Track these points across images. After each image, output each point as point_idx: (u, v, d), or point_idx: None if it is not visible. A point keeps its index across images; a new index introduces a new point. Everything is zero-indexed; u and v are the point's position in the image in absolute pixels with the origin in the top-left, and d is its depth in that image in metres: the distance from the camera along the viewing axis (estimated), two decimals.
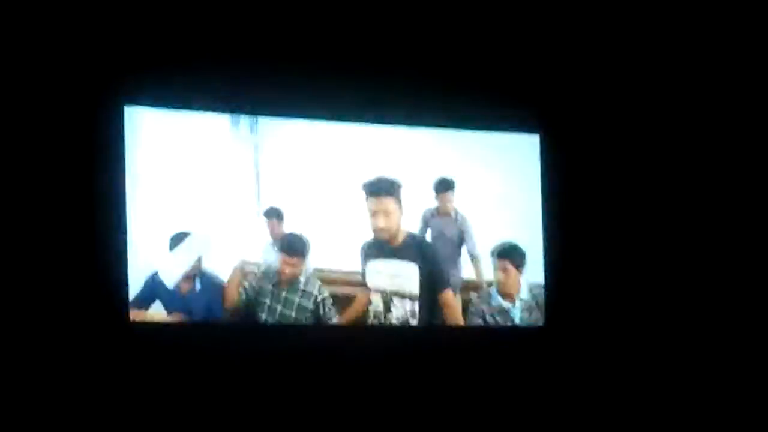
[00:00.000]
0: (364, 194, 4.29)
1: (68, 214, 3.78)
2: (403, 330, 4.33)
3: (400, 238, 4.35)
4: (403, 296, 4.33)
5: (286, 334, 4.19)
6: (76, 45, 3.80)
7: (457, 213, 4.43)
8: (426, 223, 4.41)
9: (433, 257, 4.37)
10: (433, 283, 4.36)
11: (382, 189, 4.29)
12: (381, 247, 4.32)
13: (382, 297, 4.31)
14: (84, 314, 3.76)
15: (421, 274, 4.34)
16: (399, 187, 4.32)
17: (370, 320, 4.28)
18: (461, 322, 4.37)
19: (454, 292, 4.39)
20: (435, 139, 4.40)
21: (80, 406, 3.75)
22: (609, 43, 4.33)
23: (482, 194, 4.43)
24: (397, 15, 4.19)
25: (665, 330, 4.41)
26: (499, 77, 4.27)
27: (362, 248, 4.31)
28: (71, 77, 3.78)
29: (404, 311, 4.33)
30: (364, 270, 4.30)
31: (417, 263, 4.34)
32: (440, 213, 4.42)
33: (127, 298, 3.93)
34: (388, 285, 4.32)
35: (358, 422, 4.14)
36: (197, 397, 3.95)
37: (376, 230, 4.30)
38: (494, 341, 4.39)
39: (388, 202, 4.30)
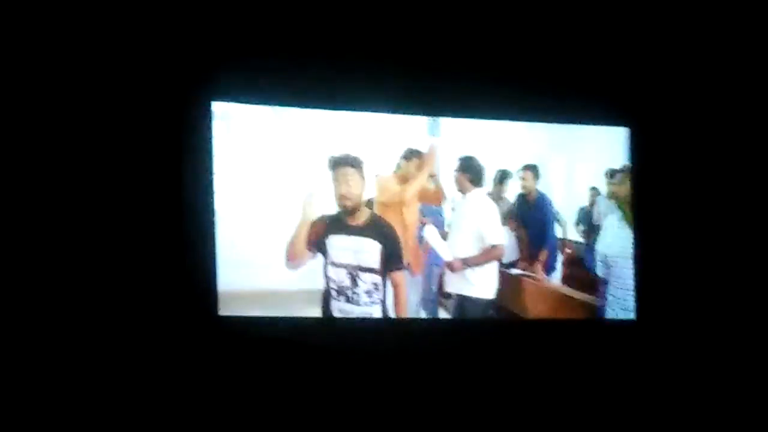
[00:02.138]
0: (329, 169, 4.51)
1: (158, 211, 3.91)
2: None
3: (363, 217, 4.58)
4: (366, 270, 4.54)
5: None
6: (164, 41, 3.91)
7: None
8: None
9: (393, 238, 4.60)
10: (389, 262, 4.58)
11: (346, 161, 4.49)
12: (345, 224, 4.54)
13: (348, 271, 4.51)
14: (174, 309, 3.90)
15: (382, 252, 4.57)
16: (362, 162, 4.52)
17: (335, 294, 4.48)
18: (404, 304, 4.54)
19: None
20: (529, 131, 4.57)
21: (171, 398, 3.89)
22: (701, 39, 4.21)
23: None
24: (493, 14, 4.15)
25: (754, 327, 4.35)
26: (591, 71, 4.19)
27: (324, 221, 4.51)
28: (159, 74, 3.90)
29: (370, 284, 4.52)
30: (324, 242, 4.50)
31: (379, 241, 4.57)
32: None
33: (216, 292, 4.12)
34: (352, 260, 4.52)
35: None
36: (280, 388, 4.10)
37: (339, 197, 4.50)
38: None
39: (352, 172, 4.50)
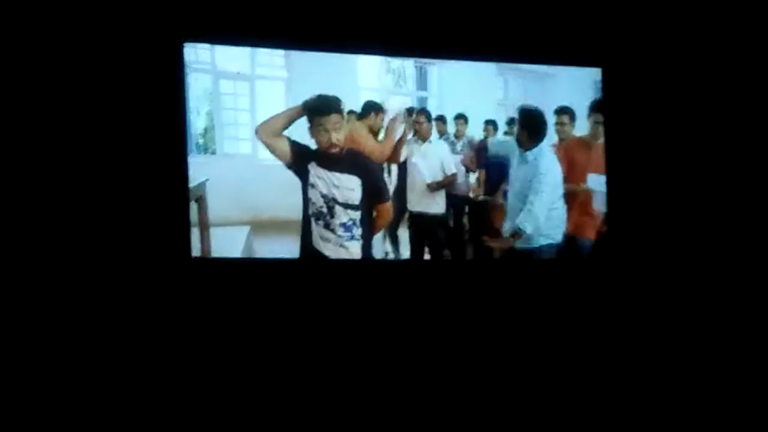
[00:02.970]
0: (306, 114, 4.49)
1: (130, 151, 3.96)
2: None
3: (342, 152, 4.64)
4: (346, 205, 4.63)
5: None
6: None
7: None
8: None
9: (374, 172, 4.71)
10: (372, 195, 4.67)
11: (329, 107, 4.48)
12: (326, 157, 4.57)
13: (325, 201, 4.60)
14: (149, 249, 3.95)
15: (363, 186, 4.65)
16: (341, 102, 4.54)
17: (314, 219, 4.57)
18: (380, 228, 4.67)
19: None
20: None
21: (148, 342, 3.94)
22: None
23: None
24: None
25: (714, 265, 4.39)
26: (564, 12, 4.16)
27: (305, 151, 4.55)
28: (131, 16, 3.91)
29: (347, 219, 4.61)
30: (306, 165, 4.55)
31: (359, 176, 4.65)
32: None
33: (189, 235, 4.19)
34: (329, 192, 4.60)
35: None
36: (258, 331, 4.16)
37: (323, 143, 4.52)
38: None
39: (336, 119, 4.52)
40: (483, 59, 4.43)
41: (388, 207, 4.73)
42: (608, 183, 4.37)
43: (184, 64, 4.15)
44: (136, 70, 3.92)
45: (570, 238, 4.67)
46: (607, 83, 4.19)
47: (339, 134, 4.54)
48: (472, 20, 4.18)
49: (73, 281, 3.81)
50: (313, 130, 4.47)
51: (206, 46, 4.27)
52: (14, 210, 3.69)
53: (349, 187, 4.64)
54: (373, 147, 4.68)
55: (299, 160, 4.52)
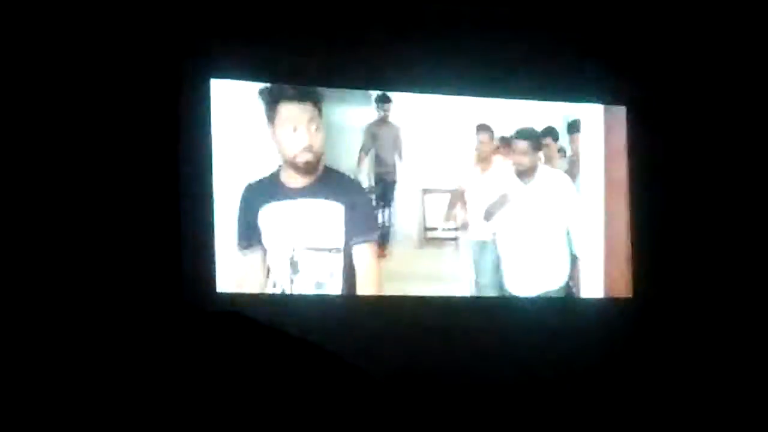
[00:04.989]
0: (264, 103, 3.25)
1: (154, 189, 3.32)
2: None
3: (312, 173, 3.26)
4: (318, 250, 3.24)
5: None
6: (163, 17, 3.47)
7: None
8: None
9: (361, 196, 3.34)
10: (355, 228, 3.28)
11: (304, 95, 3.27)
12: (282, 188, 3.23)
13: (288, 255, 3.23)
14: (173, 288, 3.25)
15: (346, 215, 3.29)
16: (323, 97, 3.30)
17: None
18: (373, 288, 3.36)
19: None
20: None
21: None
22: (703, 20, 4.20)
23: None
24: None
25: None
26: (590, 48, 4.06)
27: (252, 187, 3.22)
28: (157, 50, 3.44)
29: (326, 271, 3.26)
30: (253, 223, 3.21)
31: (341, 201, 3.28)
32: None
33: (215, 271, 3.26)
34: (299, 238, 3.23)
35: None
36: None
37: (297, 152, 3.22)
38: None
39: (313, 112, 3.26)
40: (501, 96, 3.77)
41: (374, 249, 3.34)
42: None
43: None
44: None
45: None
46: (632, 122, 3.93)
47: (316, 137, 3.26)
48: (502, 55, 3.92)
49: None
50: (276, 127, 3.23)
51: None
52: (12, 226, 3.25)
53: (327, 219, 3.25)
54: None
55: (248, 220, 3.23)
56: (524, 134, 3.72)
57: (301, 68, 3.41)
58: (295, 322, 3.12)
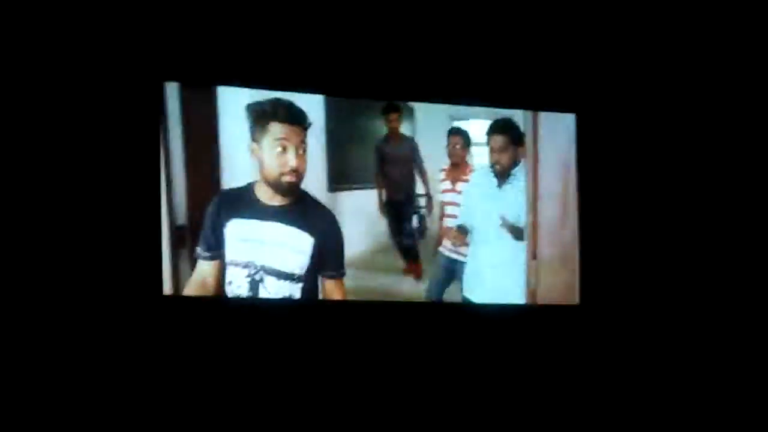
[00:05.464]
0: (252, 119, 3.30)
1: (106, 184, 3.37)
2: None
3: (290, 195, 3.30)
4: (281, 275, 3.30)
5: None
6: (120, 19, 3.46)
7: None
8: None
9: (334, 231, 3.36)
10: (323, 264, 3.33)
11: (295, 116, 3.31)
12: (256, 203, 3.28)
13: (249, 273, 3.29)
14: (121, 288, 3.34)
15: (315, 249, 3.32)
16: (309, 120, 3.34)
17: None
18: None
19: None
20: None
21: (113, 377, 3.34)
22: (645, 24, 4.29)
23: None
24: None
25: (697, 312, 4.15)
26: (538, 57, 4.09)
27: (226, 195, 3.28)
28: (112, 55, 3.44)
29: (283, 294, 3.31)
30: (219, 232, 3.26)
31: (311, 233, 3.32)
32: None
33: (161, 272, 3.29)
34: (256, 258, 3.29)
35: None
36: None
37: (283, 172, 3.26)
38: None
39: (300, 134, 3.31)
40: (459, 102, 3.81)
41: (340, 286, 3.39)
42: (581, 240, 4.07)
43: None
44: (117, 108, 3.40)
45: None
46: (581, 130, 4.05)
47: (302, 161, 3.29)
48: (450, 64, 3.88)
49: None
50: (263, 145, 3.25)
51: None
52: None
53: (295, 247, 3.30)
54: None
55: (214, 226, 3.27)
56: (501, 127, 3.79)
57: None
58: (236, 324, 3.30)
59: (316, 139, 3.39)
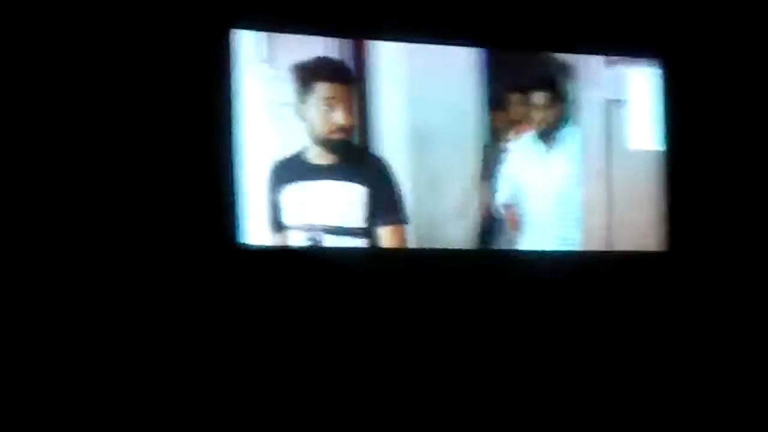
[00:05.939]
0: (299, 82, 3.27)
1: (180, 136, 3.33)
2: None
3: (338, 152, 3.28)
4: (344, 232, 3.29)
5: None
6: None
7: None
8: None
9: (387, 177, 3.32)
10: (378, 214, 3.30)
11: (345, 72, 3.30)
12: (307, 165, 3.25)
13: (310, 237, 3.26)
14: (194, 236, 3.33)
15: (369, 199, 3.31)
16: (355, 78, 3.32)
17: None
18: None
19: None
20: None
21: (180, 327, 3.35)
22: None
23: None
24: None
25: None
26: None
27: (275, 170, 3.24)
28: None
29: None
30: (277, 199, 3.24)
31: (363, 183, 3.30)
32: None
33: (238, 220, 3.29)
34: (316, 219, 3.26)
35: None
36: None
37: (330, 129, 3.25)
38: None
39: (349, 92, 3.30)
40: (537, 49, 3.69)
41: (399, 232, 3.35)
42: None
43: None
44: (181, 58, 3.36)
45: None
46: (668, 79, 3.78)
47: (351, 118, 3.29)
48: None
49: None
50: (309, 107, 3.25)
51: None
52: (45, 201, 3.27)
53: (350, 201, 3.28)
54: None
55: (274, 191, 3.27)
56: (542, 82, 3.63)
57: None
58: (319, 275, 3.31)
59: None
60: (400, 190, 3.35)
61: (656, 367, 3.85)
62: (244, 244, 3.29)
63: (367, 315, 3.49)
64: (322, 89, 3.25)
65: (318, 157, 3.25)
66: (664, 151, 3.85)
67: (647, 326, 3.86)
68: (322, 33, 3.44)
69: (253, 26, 3.39)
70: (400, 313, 3.53)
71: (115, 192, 3.32)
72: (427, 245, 3.47)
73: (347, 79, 3.29)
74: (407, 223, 3.37)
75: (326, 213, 3.27)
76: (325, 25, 3.46)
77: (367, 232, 3.32)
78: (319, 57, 3.29)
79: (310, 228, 3.25)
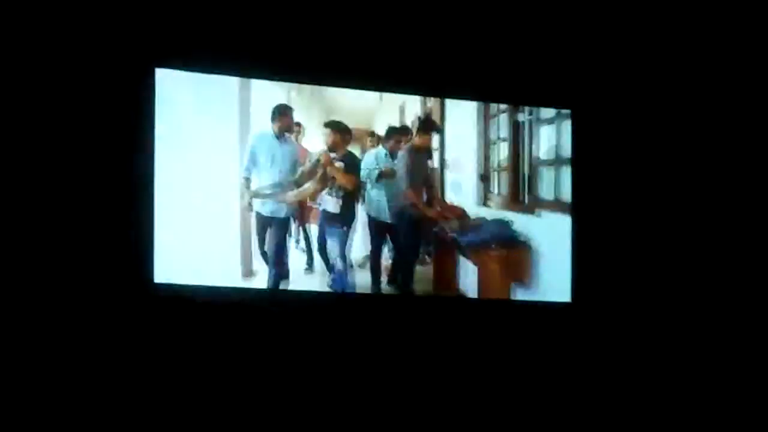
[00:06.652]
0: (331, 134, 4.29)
1: (95, 177, 3.68)
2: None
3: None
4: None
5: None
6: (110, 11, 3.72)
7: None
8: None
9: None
10: None
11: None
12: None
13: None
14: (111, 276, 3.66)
15: None
16: None
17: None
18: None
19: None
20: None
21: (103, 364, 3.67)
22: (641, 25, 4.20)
23: None
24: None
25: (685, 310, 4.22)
26: (535, 55, 4.08)
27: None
28: (104, 42, 3.70)
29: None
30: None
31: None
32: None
33: (152, 260, 3.79)
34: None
35: None
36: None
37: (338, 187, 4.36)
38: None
39: None
40: (460, 97, 4.21)
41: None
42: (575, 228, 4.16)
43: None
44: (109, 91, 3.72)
45: None
46: (577, 126, 4.06)
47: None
48: (452, 60, 4.00)
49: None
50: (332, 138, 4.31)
51: None
52: None
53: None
54: None
55: None
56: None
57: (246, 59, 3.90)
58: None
59: None
60: None
61: (560, 413, 4.17)
62: (155, 282, 3.76)
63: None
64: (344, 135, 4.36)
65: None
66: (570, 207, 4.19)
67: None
68: (246, 75, 3.93)
69: (177, 65, 3.80)
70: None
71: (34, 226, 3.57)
72: None
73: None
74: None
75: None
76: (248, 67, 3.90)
77: None
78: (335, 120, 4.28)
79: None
